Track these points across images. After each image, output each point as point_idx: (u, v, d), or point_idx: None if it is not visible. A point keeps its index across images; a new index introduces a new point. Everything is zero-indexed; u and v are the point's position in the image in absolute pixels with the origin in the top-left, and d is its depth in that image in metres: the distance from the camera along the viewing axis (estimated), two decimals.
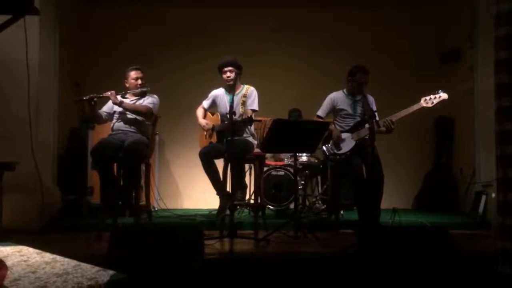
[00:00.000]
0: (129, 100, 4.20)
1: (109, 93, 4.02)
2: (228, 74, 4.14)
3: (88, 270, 2.07)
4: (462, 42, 5.61)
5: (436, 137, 6.12)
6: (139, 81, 4.18)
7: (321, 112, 4.34)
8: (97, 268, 2.09)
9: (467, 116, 5.46)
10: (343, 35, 6.10)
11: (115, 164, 4.05)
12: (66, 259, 2.29)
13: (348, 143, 4.14)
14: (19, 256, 2.42)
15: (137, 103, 4.19)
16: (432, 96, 3.92)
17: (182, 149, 5.89)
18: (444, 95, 3.90)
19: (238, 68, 4.16)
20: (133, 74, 4.19)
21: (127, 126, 4.12)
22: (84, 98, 3.94)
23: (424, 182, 5.98)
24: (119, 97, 4.05)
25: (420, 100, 3.96)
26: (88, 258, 2.73)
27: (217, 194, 4.17)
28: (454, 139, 5.98)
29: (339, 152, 4.16)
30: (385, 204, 4.13)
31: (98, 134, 4.66)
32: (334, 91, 4.38)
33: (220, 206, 4.23)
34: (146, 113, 4.13)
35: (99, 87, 5.27)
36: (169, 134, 5.90)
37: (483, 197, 4.78)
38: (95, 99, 3.97)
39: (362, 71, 4.17)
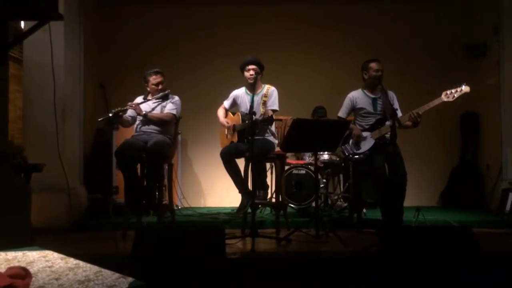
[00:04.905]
0: (151, 102, 4.27)
1: (133, 105, 4.13)
2: (252, 72, 4.16)
3: (109, 277, 2.18)
4: (488, 36, 5.48)
5: (462, 133, 5.99)
6: (160, 86, 4.24)
7: (341, 112, 4.24)
8: (117, 275, 2.20)
9: (493, 111, 5.34)
10: (367, 31, 5.99)
11: (139, 164, 4.12)
12: (89, 265, 2.40)
13: (367, 142, 4.07)
14: (44, 261, 2.55)
15: (160, 106, 4.27)
16: (453, 90, 3.77)
17: (204, 148, 5.93)
18: (465, 88, 3.74)
19: (260, 67, 4.18)
20: (152, 79, 4.23)
21: (150, 127, 4.18)
22: (110, 115, 3.99)
23: (449, 179, 5.88)
24: (143, 107, 4.14)
25: (441, 95, 3.83)
26: (113, 257, 2.83)
27: (239, 192, 4.20)
28: (480, 134, 5.84)
29: (358, 151, 4.09)
30: (410, 202, 4.07)
31: (122, 135, 4.74)
32: (353, 90, 4.29)
33: (241, 203, 4.25)
34: (170, 121, 4.23)
35: (123, 87, 5.44)
36: (191, 133, 5.95)
37: (510, 195, 4.67)
38: (120, 113, 4.05)
39: (374, 60, 4.10)
